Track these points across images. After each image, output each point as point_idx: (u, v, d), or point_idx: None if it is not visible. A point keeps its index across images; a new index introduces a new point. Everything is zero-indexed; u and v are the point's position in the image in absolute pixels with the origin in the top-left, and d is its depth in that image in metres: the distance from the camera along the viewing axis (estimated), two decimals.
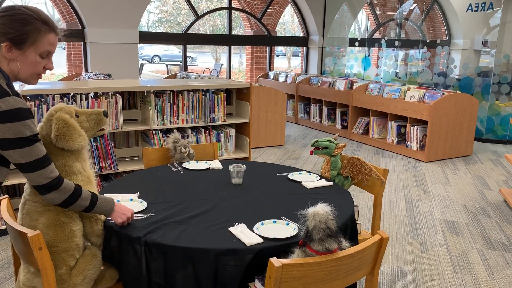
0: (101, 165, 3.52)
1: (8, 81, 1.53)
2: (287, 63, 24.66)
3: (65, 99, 3.36)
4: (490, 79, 6.96)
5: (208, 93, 3.99)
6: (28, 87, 3.29)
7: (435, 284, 2.79)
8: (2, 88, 1.46)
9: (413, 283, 2.79)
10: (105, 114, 1.84)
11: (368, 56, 9.02)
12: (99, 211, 1.69)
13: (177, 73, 7.13)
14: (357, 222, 2.16)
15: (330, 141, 2.48)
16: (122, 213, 1.72)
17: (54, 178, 1.56)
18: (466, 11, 7.89)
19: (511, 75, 6.92)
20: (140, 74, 15.11)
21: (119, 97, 3.56)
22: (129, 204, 1.96)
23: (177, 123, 3.89)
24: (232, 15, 8.87)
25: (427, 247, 3.29)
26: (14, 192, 3.54)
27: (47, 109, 3.27)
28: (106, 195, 2.07)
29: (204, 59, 24.83)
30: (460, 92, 5.90)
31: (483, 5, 7.52)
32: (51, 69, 1.61)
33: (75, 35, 6.96)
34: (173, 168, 2.54)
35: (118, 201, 1.94)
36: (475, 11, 7.70)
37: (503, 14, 7.20)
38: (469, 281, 2.84)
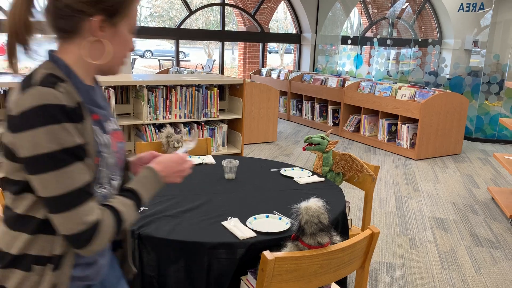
0: None
1: (74, 81, 1.04)
2: (279, 60, 24.69)
3: None
4: (480, 79, 7.05)
5: (201, 89, 3.99)
6: (18, 80, 3.27)
7: (424, 280, 2.84)
8: (29, 80, 0.99)
9: (402, 279, 2.84)
10: None
11: (360, 54, 9.07)
12: (152, 197, 1.26)
13: (170, 68, 7.11)
14: (348, 217, 2.19)
15: (323, 138, 2.51)
16: (176, 174, 1.24)
17: (91, 223, 0.99)
18: (458, 11, 7.96)
19: (501, 75, 7.00)
20: (132, 68, 15.03)
21: (111, 91, 3.55)
22: None
23: (170, 118, 3.89)
24: (225, 11, 8.86)
25: (416, 244, 3.34)
26: None
27: None
28: None
29: (197, 55, 24.76)
30: (450, 91, 5.96)
31: (474, 5, 7.59)
32: (133, 49, 1.15)
33: None
34: None
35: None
36: (466, 11, 7.78)
37: (493, 15, 7.28)
38: (457, 277, 2.89)
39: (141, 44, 22.08)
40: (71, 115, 0.96)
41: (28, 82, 0.98)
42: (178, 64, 8.54)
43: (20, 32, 1.02)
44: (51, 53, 1.06)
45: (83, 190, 0.98)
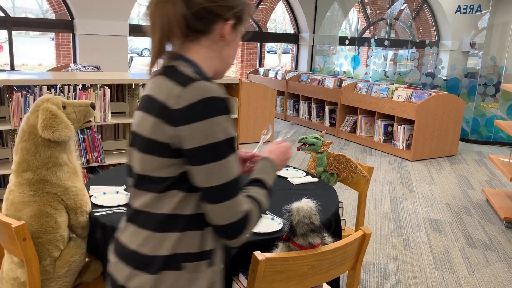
0: (87, 158, 3.51)
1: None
2: (277, 60, 24.68)
3: (52, 90, 3.33)
4: (476, 81, 7.06)
5: None
6: (13, 76, 3.26)
7: (417, 281, 2.84)
8: (185, 75, 1.00)
9: (396, 280, 2.84)
10: (93, 106, 1.84)
11: (358, 54, 9.08)
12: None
13: None
14: (341, 218, 2.20)
15: (317, 138, 2.51)
16: (284, 162, 1.27)
17: (245, 212, 1.02)
18: (455, 13, 7.98)
19: (497, 77, 7.02)
20: (130, 67, 15.01)
21: (107, 90, 3.54)
22: (115, 196, 1.96)
23: None
24: None
25: (410, 245, 3.35)
26: None
27: (34, 100, 3.25)
28: (92, 187, 2.06)
29: None
30: (447, 92, 5.97)
31: (471, 7, 7.61)
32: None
33: (64, 25, 6.88)
34: None
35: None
36: (463, 13, 7.80)
37: (491, 17, 7.30)
38: (450, 278, 2.89)
39: (139, 42, 22.04)
40: (229, 108, 1.00)
41: (185, 78, 0.99)
42: None
43: (173, 32, 1.03)
44: (178, 53, 1.07)
45: (238, 180, 1.01)
